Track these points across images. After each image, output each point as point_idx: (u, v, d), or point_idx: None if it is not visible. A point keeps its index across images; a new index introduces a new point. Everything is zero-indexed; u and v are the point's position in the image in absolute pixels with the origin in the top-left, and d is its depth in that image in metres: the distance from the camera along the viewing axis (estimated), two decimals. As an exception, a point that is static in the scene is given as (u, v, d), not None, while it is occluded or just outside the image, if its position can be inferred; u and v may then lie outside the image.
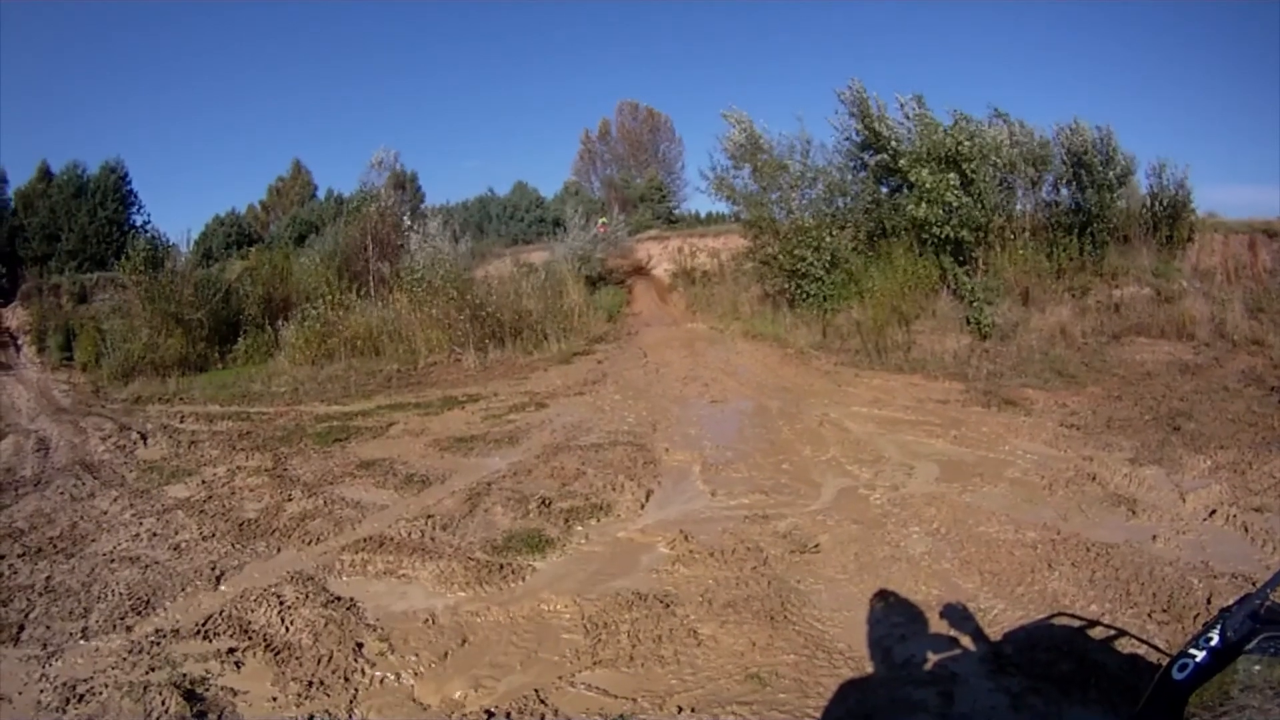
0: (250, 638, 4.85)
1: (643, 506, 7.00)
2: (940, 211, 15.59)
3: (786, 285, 17.63)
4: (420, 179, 36.08)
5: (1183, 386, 10.49)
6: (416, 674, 4.37)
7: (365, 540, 6.39)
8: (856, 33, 66.68)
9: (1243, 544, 5.67)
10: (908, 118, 16.95)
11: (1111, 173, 16.21)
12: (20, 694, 4.35)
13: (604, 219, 26.92)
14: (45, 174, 28.35)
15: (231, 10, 64.43)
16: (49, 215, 26.74)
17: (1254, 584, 4.41)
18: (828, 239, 16.92)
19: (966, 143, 15.50)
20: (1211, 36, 55.22)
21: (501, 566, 5.76)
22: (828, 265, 16.93)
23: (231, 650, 4.70)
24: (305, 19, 67.51)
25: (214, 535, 6.71)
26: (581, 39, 71.26)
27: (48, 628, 5.11)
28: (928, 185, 15.57)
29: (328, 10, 69.27)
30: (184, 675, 4.42)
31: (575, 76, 71.32)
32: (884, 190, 17.54)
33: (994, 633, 4.47)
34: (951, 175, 15.47)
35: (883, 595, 5.00)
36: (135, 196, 28.94)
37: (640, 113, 46.61)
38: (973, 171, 15.47)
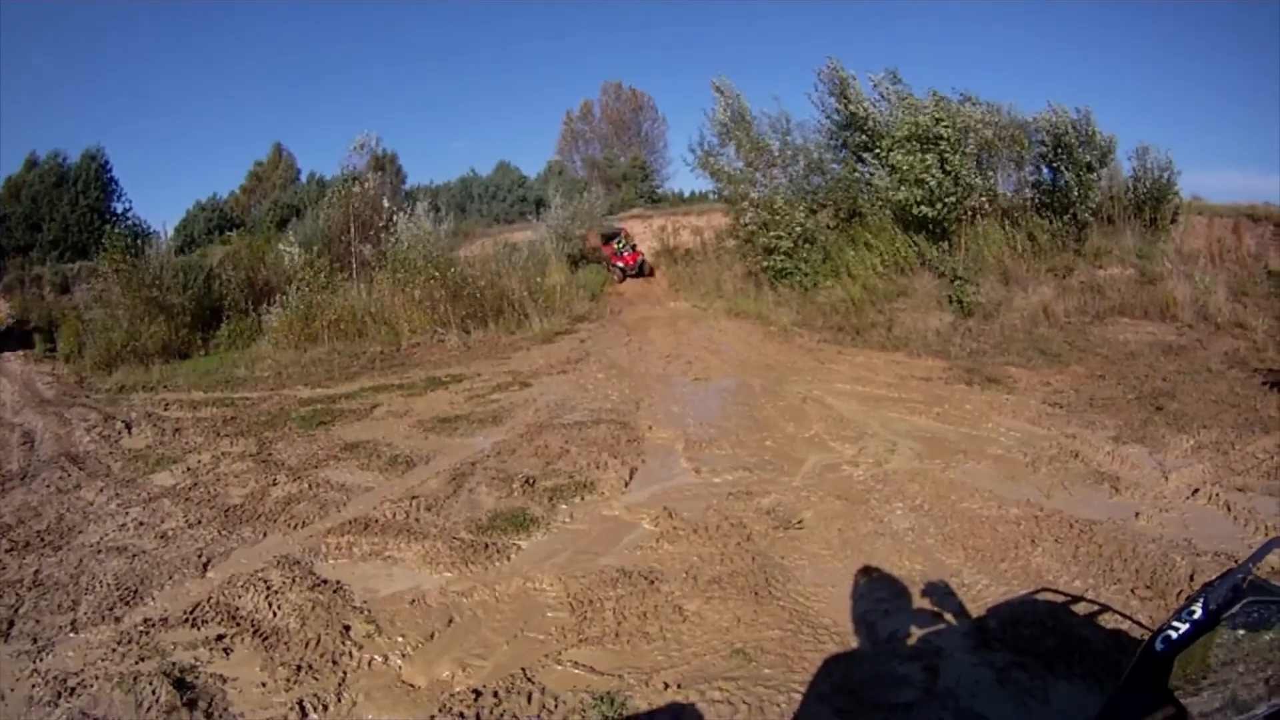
0: (238, 624, 4.86)
1: (626, 484, 7.03)
2: (919, 192, 15.60)
3: (768, 263, 17.64)
4: (404, 160, 35.84)
5: (1166, 367, 10.55)
6: (404, 655, 4.39)
7: (351, 523, 6.40)
8: (838, 11, 66.27)
9: (1225, 522, 5.73)
10: (883, 96, 16.95)
11: (1089, 155, 16.19)
12: (13, 690, 4.34)
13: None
14: (32, 164, 27.89)
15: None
16: (30, 205, 26.31)
17: (1236, 562, 4.47)
18: (801, 217, 16.95)
19: (945, 124, 15.48)
20: (1202, 23, 55.09)
21: (486, 546, 5.78)
22: (805, 243, 16.95)
23: (220, 637, 4.71)
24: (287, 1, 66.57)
25: (200, 522, 6.70)
26: (566, 19, 70.57)
27: (37, 622, 5.09)
28: (905, 167, 15.58)
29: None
30: (173, 664, 4.42)
31: (560, 57, 70.50)
32: (863, 169, 17.52)
33: (978, 608, 4.52)
34: (929, 156, 15.47)
35: (867, 571, 5.05)
36: (116, 184, 28.33)
37: (624, 93, 46.32)
38: (950, 152, 15.47)
